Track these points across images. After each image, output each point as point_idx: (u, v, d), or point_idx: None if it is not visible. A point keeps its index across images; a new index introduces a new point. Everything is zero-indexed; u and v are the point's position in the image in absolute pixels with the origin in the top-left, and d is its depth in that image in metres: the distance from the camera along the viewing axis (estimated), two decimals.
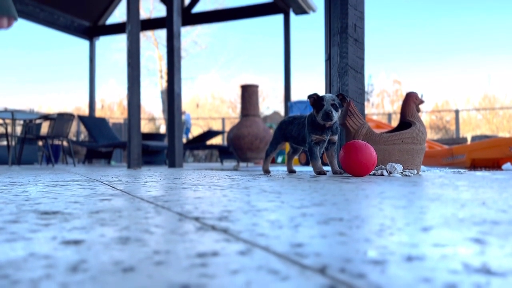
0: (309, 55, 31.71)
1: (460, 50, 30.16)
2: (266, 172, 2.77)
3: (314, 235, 0.59)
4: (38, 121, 6.73)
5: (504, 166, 3.96)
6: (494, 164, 4.55)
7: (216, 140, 14.14)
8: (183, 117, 8.36)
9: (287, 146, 3.96)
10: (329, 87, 3.31)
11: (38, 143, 8.15)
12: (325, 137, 2.43)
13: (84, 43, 10.24)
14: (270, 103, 26.14)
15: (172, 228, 0.66)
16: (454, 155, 4.78)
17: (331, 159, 2.51)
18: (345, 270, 0.42)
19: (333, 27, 3.00)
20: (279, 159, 6.76)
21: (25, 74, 35.20)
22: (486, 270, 0.41)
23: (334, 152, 2.51)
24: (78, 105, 25.53)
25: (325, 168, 2.94)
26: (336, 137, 2.49)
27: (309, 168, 4.02)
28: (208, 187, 1.49)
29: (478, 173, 2.68)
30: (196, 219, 0.74)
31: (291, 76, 8.53)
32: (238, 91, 23.49)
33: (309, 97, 2.45)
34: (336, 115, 2.36)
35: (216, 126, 17.85)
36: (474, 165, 4.57)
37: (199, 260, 0.46)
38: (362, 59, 2.98)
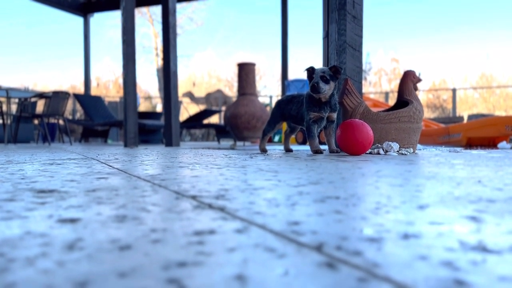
0: (307, 32, 31.37)
1: (459, 27, 29.89)
2: (263, 151, 2.77)
3: (311, 213, 0.59)
4: (33, 100, 6.67)
5: (500, 145, 3.97)
6: (490, 143, 4.56)
7: (213, 119, 14.10)
8: None
9: (284, 125, 3.96)
10: (327, 65, 3.28)
11: (34, 121, 8.11)
12: (323, 114, 2.41)
13: (78, 20, 10.08)
14: (267, 82, 25.99)
15: (169, 206, 0.66)
16: (450, 134, 4.79)
17: (329, 137, 2.50)
18: (341, 247, 0.42)
19: (331, 3, 2.96)
20: (276, 138, 6.76)
21: (19, 52, 34.76)
22: (482, 248, 0.41)
23: (332, 131, 2.50)
24: (73, 83, 25.32)
25: (322, 147, 2.94)
26: (335, 115, 2.46)
27: (306, 147, 4.03)
28: (205, 166, 1.49)
29: (474, 152, 2.69)
30: (193, 197, 0.74)
31: (289, 54, 8.45)
32: (235, 70, 23.30)
33: (306, 70, 2.45)
34: (325, 87, 2.32)
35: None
36: (470, 144, 4.59)
37: (196, 238, 0.46)
38: (360, 36, 2.95)
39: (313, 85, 2.31)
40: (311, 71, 2.41)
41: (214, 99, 13.80)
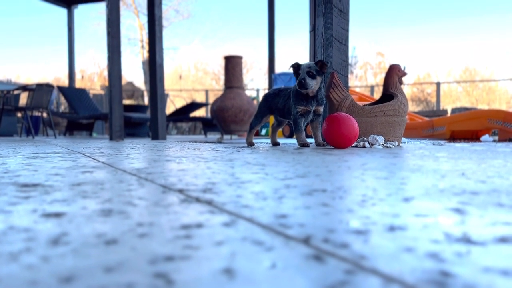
0: (294, 25, 31.32)
1: (443, 21, 30.18)
2: (250, 144, 2.77)
3: (298, 206, 0.59)
4: (16, 92, 6.55)
5: (483, 138, 4.04)
6: (473, 136, 4.64)
7: (200, 112, 14.03)
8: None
9: (271, 119, 3.96)
10: (313, 59, 3.29)
11: (17, 114, 7.97)
12: (310, 107, 2.42)
13: (62, 11, 9.90)
14: (254, 75, 25.92)
15: (156, 200, 0.66)
16: (434, 127, 4.86)
17: (315, 131, 2.51)
18: (328, 240, 0.42)
19: None
20: (263, 132, 6.76)
21: (1, 43, 33.99)
22: (466, 239, 0.42)
23: (319, 124, 2.51)
24: (57, 75, 24.87)
25: (309, 140, 2.95)
26: (321, 109, 2.47)
27: (293, 141, 4.04)
28: (192, 159, 1.49)
29: (458, 145, 2.73)
30: (180, 191, 0.74)
31: (275, 47, 8.44)
32: (222, 63, 23.17)
33: (291, 66, 2.44)
34: (312, 82, 2.33)
35: (200, 98, 17.69)
36: (454, 137, 4.66)
37: (183, 232, 0.46)
38: (347, 30, 2.96)
39: (300, 81, 2.32)
40: (296, 67, 2.42)
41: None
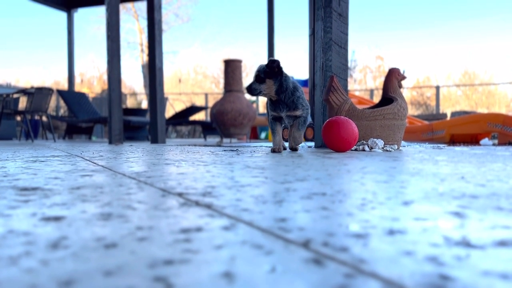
0: (294, 29, 31.40)
1: (442, 25, 30.26)
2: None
3: (298, 210, 0.59)
4: (15, 96, 6.55)
5: (482, 141, 4.05)
6: (472, 139, 4.64)
7: (199, 116, 14.03)
8: None
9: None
10: (312, 63, 3.29)
11: (17, 118, 7.97)
12: (279, 113, 2.26)
13: (62, 15, 9.91)
14: None
15: (155, 204, 0.66)
16: (434, 131, 4.86)
17: (291, 134, 2.31)
18: (328, 244, 0.42)
19: (317, 0, 2.96)
20: (262, 135, 6.76)
21: (1, 47, 34.02)
22: (466, 243, 0.42)
23: (296, 127, 2.28)
24: (57, 79, 24.87)
25: (309, 143, 2.95)
26: (298, 112, 2.24)
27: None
28: (191, 163, 1.49)
29: (457, 148, 2.73)
30: (180, 194, 0.74)
31: (275, 51, 8.45)
32: (221, 66, 23.19)
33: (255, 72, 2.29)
34: (259, 87, 2.19)
35: (199, 101, 17.68)
36: (453, 141, 4.66)
37: (182, 236, 0.46)
38: (346, 34, 2.97)
39: (247, 87, 2.23)
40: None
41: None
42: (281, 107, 2.23)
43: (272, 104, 2.27)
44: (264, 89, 2.19)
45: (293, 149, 2.30)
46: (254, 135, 8.40)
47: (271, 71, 2.19)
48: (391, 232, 0.46)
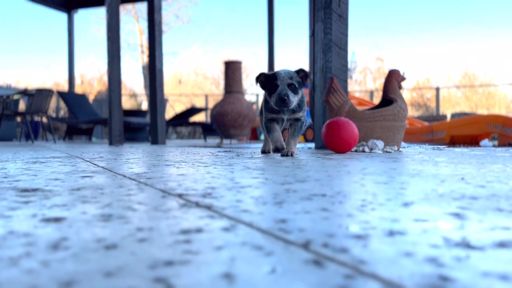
0: (294, 30, 31.40)
1: (442, 26, 30.28)
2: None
3: (298, 211, 0.59)
4: (16, 97, 6.55)
5: (482, 143, 4.05)
6: (472, 141, 4.64)
7: (199, 117, 14.03)
8: None
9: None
10: (312, 64, 3.30)
11: (17, 119, 7.97)
12: (282, 115, 2.01)
13: (62, 16, 9.92)
14: (254, 80, 25.90)
15: (156, 205, 0.66)
16: (434, 132, 4.86)
17: (289, 138, 2.06)
18: (328, 245, 0.42)
19: (317, 2, 2.97)
20: (262, 137, 6.76)
21: (1, 48, 34.05)
22: (465, 244, 0.42)
23: (295, 130, 2.05)
24: (57, 80, 24.87)
25: (310, 144, 2.94)
26: (299, 114, 2.03)
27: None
28: (191, 164, 1.49)
29: (457, 150, 2.73)
30: (180, 196, 0.74)
31: (275, 52, 8.46)
32: (222, 68, 23.20)
33: (257, 79, 2.03)
34: (295, 99, 1.90)
35: (199, 103, 17.68)
36: (453, 142, 4.66)
37: (183, 237, 0.46)
38: (346, 35, 2.97)
39: (282, 98, 1.85)
40: (264, 79, 1.98)
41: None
42: (285, 110, 1.97)
43: (275, 109, 1.99)
44: (295, 102, 1.93)
45: (285, 154, 1.95)
46: (254, 136, 8.40)
47: (302, 81, 1.96)
48: (391, 233, 0.46)
